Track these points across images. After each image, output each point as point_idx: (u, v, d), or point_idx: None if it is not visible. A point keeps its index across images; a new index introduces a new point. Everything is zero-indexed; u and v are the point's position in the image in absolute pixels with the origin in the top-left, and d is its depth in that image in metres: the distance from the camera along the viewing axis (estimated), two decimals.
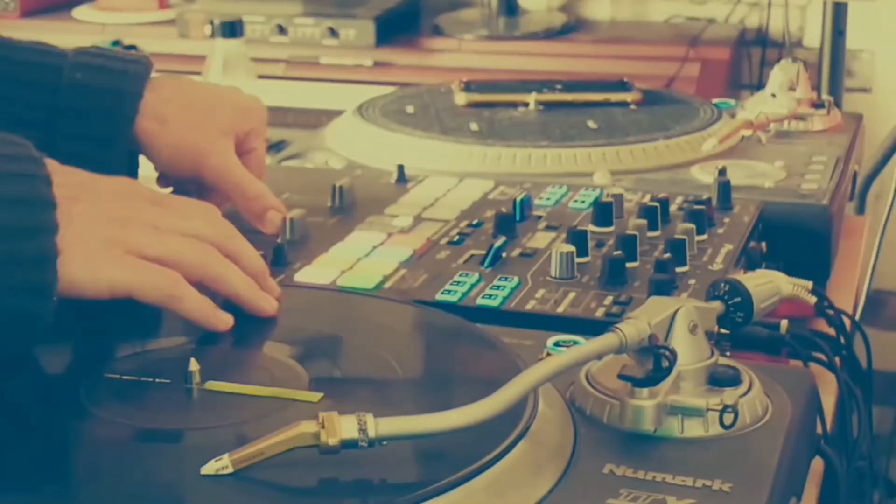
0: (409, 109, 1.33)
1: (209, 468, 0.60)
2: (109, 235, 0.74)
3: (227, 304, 0.79)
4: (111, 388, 0.70)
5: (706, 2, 2.57)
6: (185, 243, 0.77)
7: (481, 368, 0.76)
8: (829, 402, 0.87)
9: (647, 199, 1.08)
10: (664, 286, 0.89)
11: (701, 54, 2.31)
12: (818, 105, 1.31)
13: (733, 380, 0.72)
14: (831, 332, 0.94)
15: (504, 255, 0.96)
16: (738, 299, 0.77)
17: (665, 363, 0.68)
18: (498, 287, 0.90)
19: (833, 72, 2.05)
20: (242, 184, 1.00)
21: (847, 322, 0.96)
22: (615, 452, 0.67)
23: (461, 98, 1.36)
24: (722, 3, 2.55)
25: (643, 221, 0.99)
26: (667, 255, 0.93)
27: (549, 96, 1.36)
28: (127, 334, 0.77)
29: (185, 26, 2.38)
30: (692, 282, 0.92)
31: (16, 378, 0.71)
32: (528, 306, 0.88)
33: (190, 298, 0.76)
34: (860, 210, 1.95)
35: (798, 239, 1.08)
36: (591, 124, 1.28)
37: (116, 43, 2.29)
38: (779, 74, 1.30)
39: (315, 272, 0.93)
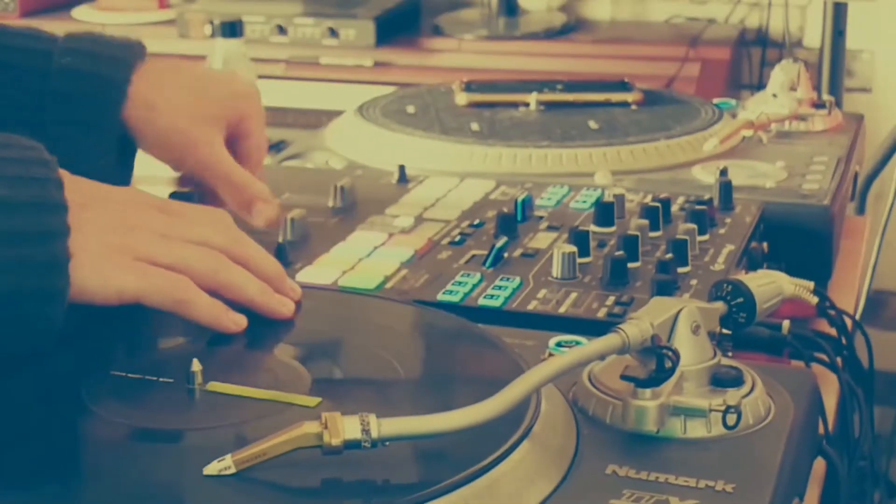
0: (410, 109, 1.33)
1: (212, 468, 0.60)
2: (119, 243, 0.74)
3: (239, 304, 0.78)
4: (113, 386, 0.70)
5: (706, 2, 2.57)
6: (195, 251, 0.77)
7: (483, 369, 0.75)
8: (830, 402, 0.87)
9: (648, 199, 1.08)
10: (666, 286, 0.89)
11: (701, 54, 2.31)
12: (819, 105, 1.31)
13: (736, 380, 0.71)
14: (833, 332, 0.94)
15: (505, 255, 0.96)
16: (740, 300, 0.77)
17: (668, 364, 0.68)
18: (500, 287, 0.90)
19: (833, 72, 2.05)
20: (229, 174, 0.98)
21: (848, 322, 0.96)
22: (618, 453, 0.67)
23: (462, 98, 1.36)
24: (722, 3, 2.55)
25: (645, 222, 0.99)
26: (668, 256, 0.93)
27: (549, 96, 1.36)
28: (131, 333, 0.77)
29: (185, 26, 2.38)
30: (694, 282, 0.92)
31: (17, 376, 0.71)
32: (530, 307, 0.88)
33: (200, 302, 0.75)
34: (861, 210, 1.95)
35: (799, 239, 1.08)
36: (592, 124, 1.28)
37: None
38: (780, 74, 1.30)
39: (316, 272, 0.93)
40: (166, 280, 0.75)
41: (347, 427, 0.60)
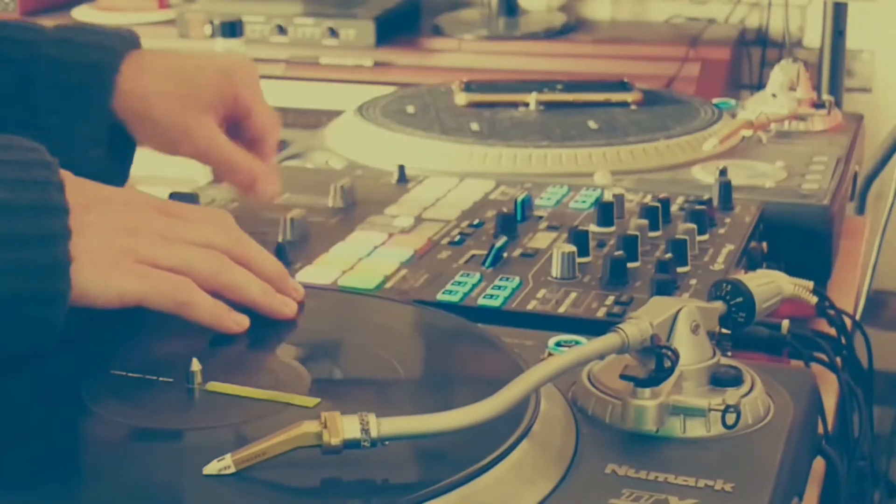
0: (410, 109, 1.33)
1: (211, 468, 0.60)
2: (120, 245, 0.74)
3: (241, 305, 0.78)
4: (112, 386, 0.70)
5: (706, 2, 2.57)
6: (197, 253, 0.77)
7: (483, 369, 0.76)
8: (830, 402, 0.87)
9: (648, 199, 1.08)
10: (665, 286, 0.89)
11: (701, 54, 2.31)
12: (819, 105, 1.31)
13: (735, 380, 0.71)
14: (832, 332, 0.94)
15: (505, 255, 0.96)
16: (739, 299, 0.77)
17: (667, 363, 0.68)
18: (499, 287, 0.90)
19: (833, 72, 2.05)
20: (224, 157, 0.98)
21: (848, 322, 0.96)
22: (617, 452, 0.67)
23: (462, 98, 1.36)
24: (722, 3, 2.55)
25: (644, 221, 0.99)
26: (668, 256, 0.93)
27: (549, 96, 1.36)
28: (131, 332, 0.77)
29: (185, 26, 2.38)
30: (693, 282, 0.92)
31: (17, 376, 0.71)
32: (530, 306, 0.88)
33: (202, 304, 0.75)
34: (860, 210, 1.95)
35: (799, 239, 1.08)
36: (592, 124, 1.28)
37: None
38: (779, 74, 1.30)
39: (316, 272, 0.93)
40: (168, 282, 0.75)
41: (347, 426, 0.61)
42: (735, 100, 1.41)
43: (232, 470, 0.60)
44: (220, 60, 1.02)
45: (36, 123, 0.94)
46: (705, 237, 1.00)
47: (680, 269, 0.93)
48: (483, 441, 0.63)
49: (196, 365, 0.70)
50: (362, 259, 0.96)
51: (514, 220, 1.02)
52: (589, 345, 0.69)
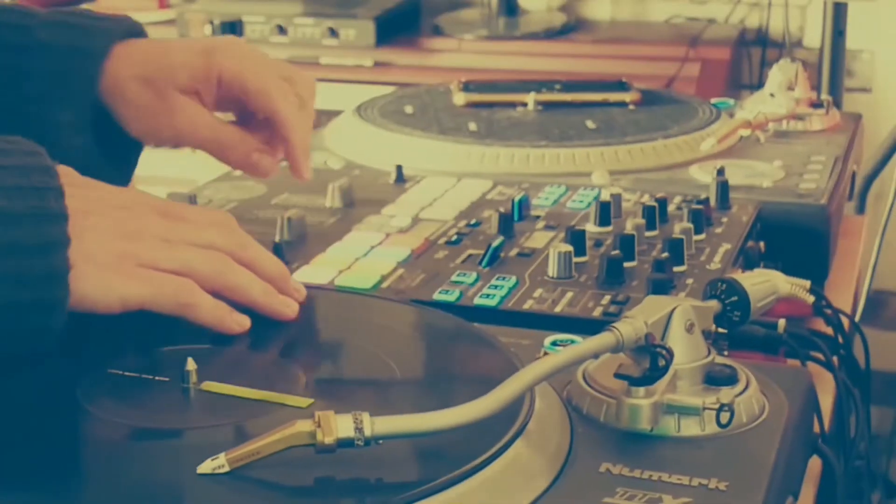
0: (408, 109, 1.33)
1: (205, 467, 0.60)
2: (121, 250, 0.74)
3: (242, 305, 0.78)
4: (107, 385, 0.70)
5: (706, 2, 2.57)
6: (199, 255, 0.76)
7: (479, 368, 0.76)
8: (826, 401, 0.87)
9: (645, 198, 1.08)
10: (662, 286, 0.89)
11: (701, 54, 2.31)
12: (817, 105, 1.31)
13: (730, 379, 0.72)
14: (829, 331, 0.94)
15: (502, 254, 0.96)
16: (734, 298, 0.77)
17: (661, 362, 0.68)
18: (496, 287, 0.90)
19: (833, 72, 2.04)
20: (214, 136, 0.94)
21: (845, 321, 0.96)
22: (612, 451, 0.67)
23: (460, 98, 1.36)
24: (722, 3, 2.55)
25: (641, 221, 0.99)
26: (665, 255, 0.93)
27: (547, 96, 1.37)
28: (128, 331, 0.77)
29: (185, 26, 2.38)
30: (690, 281, 0.92)
31: (12, 375, 0.71)
32: (526, 306, 0.88)
33: (204, 305, 0.75)
34: (860, 210, 1.95)
35: (796, 238, 1.08)
36: (590, 124, 1.28)
37: None
38: (777, 74, 1.30)
39: (313, 272, 0.94)
40: (170, 285, 0.74)
41: (340, 425, 0.61)
42: (734, 100, 1.41)
43: (226, 469, 0.60)
44: (202, 41, 0.98)
45: (26, 110, 0.92)
46: (702, 237, 1.00)
47: (676, 269, 0.93)
48: (478, 440, 0.63)
49: (191, 364, 0.70)
50: (359, 259, 0.96)
51: (512, 219, 1.02)
52: (583, 344, 0.69)
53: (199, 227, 0.78)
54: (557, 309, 0.87)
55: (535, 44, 2.38)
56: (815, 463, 0.79)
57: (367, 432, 0.61)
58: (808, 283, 0.85)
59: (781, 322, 0.87)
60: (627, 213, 1.05)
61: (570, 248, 0.93)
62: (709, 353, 0.72)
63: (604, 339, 0.68)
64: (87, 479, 0.63)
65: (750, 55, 2.51)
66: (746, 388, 0.72)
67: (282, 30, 2.35)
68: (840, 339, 0.94)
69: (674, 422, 0.69)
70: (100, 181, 0.78)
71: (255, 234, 0.82)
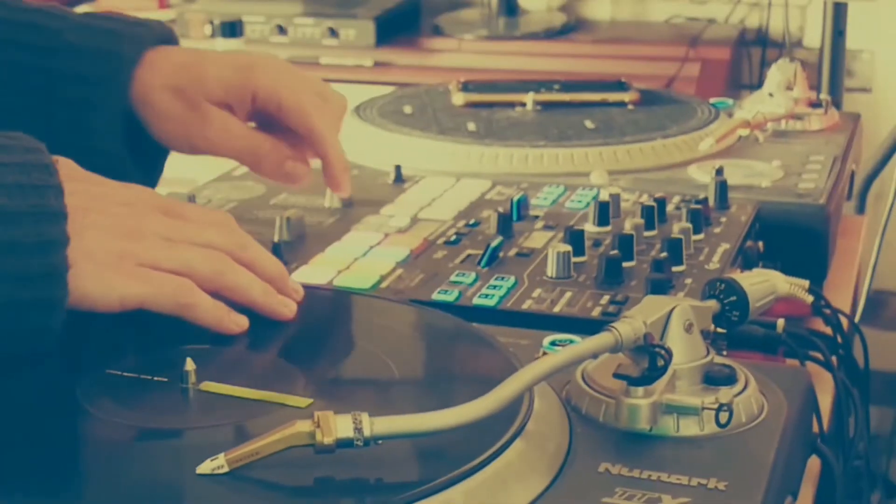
0: (407, 110, 1.33)
1: (205, 467, 0.60)
2: (121, 248, 0.74)
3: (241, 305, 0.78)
4: (106, 385, 0.70)
5: (706, 2, 2.57)
6: (199, 254, 0.76)
7: (478, 368, 0.76)
8: (825, 401, 0.87)
9: (644, 198, 1.08)
10: (661, 285, 0.89)
11: (701, 54, 2.31)
12: (816, 104, 1.31)
13: (729, 378, 0.72)
14: (828, 331, 0.94)
15: (501, 254, 0.96)
16: (733, 298, 0.77)
17: (660, 362, 0.68)
18: (494, 287, 0.90)
19: (833, 72, 2.05)
20: (246, 146, 0.94)
21: (844, 321, 0.96)
22: (611, 451, 0.67)
23: (459, 98, 1.36)
24: (722, 3, 2.55)
25: (640, 221, 0.99)
26: (664, 255, 0.93)
27: (546, 96, 1.36)
28: (127, 331, 0.77)
29: (185, 26, 2.38)
30: (689, 281, 0.92)
31: (11, 374, 0.71)
32: (525, 306, 0.88)
33: (203, 305, 0.75)
34: (860, 210, 1.95)
35: (795, 238, 1.08)
36: (589, 124, 1.28)
37: None
38: (776, 74, 1.30)
39: (312, 272, 0.94)
40: (169, 284, 0.74)
41: (340, 425, 0.61)
42: (734, 100, 1.41)
43: (225, 469, 0.60)
44: (237, 56, 0.97)
45: (56, 114, 0.92)
46: (701, 236, 1.00)
47: (675, 269, 0.93)
48: (477, 440, 0.63)
49: (190, 364, 0.70)
50: (358, 259, 0.96)
51: (510, 219, 1.02)
52: (582, 344, 0.69)
53: (200, 227, 0.78)
54: (556, 309, 0.87)
55: (535, 44, 2.38)
56: (814, 463, 0.79)
57: (367, 432, 0.61)
58: (806, 283, 0.85)
59: (780, 322, 0.87)
60: (626, 212, 1.05)
61: (568, 248, 0.93)
62: (708, 352, 0.72)
63: (603, 339, 0.68)
64: (86, 479, 0.63)
65: (750, 55, 2.51)
66: (745, 387, 0.72)
67: (282, 30, 2.35)
68: (839, 339, 0.94)
69: (673, 422, 0.69)
70: (101, 176, 0.78)
71: (254, 234, 0.82)
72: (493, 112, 1.33)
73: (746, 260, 1.00)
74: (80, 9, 2.60)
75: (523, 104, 1.35)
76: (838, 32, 2.04)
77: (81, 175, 0.76)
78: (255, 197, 1.10)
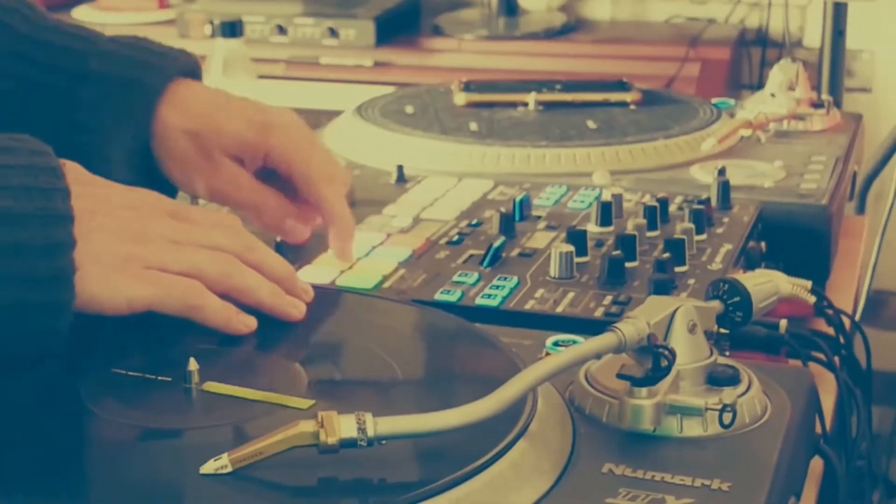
0: (409, 109, 1.33)
1: (208, 467, 0.60)
2: (128, 251, 0.74)
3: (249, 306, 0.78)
4: (110, 385, 0.70)
5: (706, 2, 2.57)
6: (206, 256, 0.76)
7: (480, 368, 0.76)
8: (828, 401, 0.87)
9: (646, 198, 1.08)
10: (663, 286, 0.89)
11: (701, 54, 2.31)
12: (817, 105, 1.31)
13: (732, 379, 0.72)
14: (831, 331, 0.94)
15: (503, 254, 0.96)
16: (736, 299, 0.77)
17: (664, 362, 0.68)
18: (497, 287, 0.90)
19: (833, 72, 2.04)
20: (249, 200, 0.94)
21: (846, 322, 0.96)
22: (614, 452, 0.67)
23: (460, 98, 1.36)
24: (722, 3, 2.55)
25: (643, 221, 0.99)
26: (666, 255, 0.93)
27: (548, 96, 1.37)
28: (131, 331, 0.77)
29: (185, 26, 2.38)
30: (691, 281, 0.92)
31: (15, 374, 0.71)
32: (528, 306, 0.88)
33: (212, 306, 0.75)
34: (860, 210, 1.95)
35: (797, 239, 1.08)
36: (591, 124, 1.28)
37: None
38: (778, 74, 1.30)
39: (314, 272, 0.94)
40: (178, 286, 0.74)
41: (343, 426, 0.61)
42: (735, 100, 1.41)
43: (228, 469, 0.60)
44: (258, 112, 0.95)
45: (76, 139, 0.91)
46: (703, 237, 1.00)
47: (678, 269, 0.93)
48: (480, 440, 0.63)
49: (193, 365, 0.70)
50: (361, 259, 0.96)
51: (513, 219, 1.02)
52: (586, 344, 0.69)
53: (206, 229, 0.78)
54: (559, 309, 0.87)
55: (535, 44, 2.38)
56: (816, 463, 0.79)
57: (370, 433, 0.61)
58: (809, 284, 0.85)
59: (783, 322, 0.87)
60: (628, 213, 1.05)
61: (571, 248, 0.93)
62: (711, 353, 0.72)
63: (606, 339, 0.68)
64: (90, 479, 0.63)
65: (750, 55, 2.51)
66: (749, 388, 0.72)
67: (282, 30, 2.35)
68: (841, 340, 0.94)
69: (676, 422, 0.69)
70: (108, 180, 0.78)
71: (257, 235, 0.82)
72: (494, 112, 1.33)
73: (749, 260, 1.00)
74: (81, 8, 2.59)
75: (525, 104, 1.35)
76: (838, 32, 2.04)
77: (88, 178, 0.76)
78: None
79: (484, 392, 0.64)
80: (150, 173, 0.95)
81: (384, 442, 0.61)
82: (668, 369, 0.68)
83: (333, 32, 2.34)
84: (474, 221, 1.04)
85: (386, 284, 0.92)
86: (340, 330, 0.81)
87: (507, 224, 1.01)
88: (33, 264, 0.69)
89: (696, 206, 1.02)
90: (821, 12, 2.06)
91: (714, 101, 1.39)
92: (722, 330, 0.78)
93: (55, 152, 0.74)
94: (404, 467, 0.63)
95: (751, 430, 0.70)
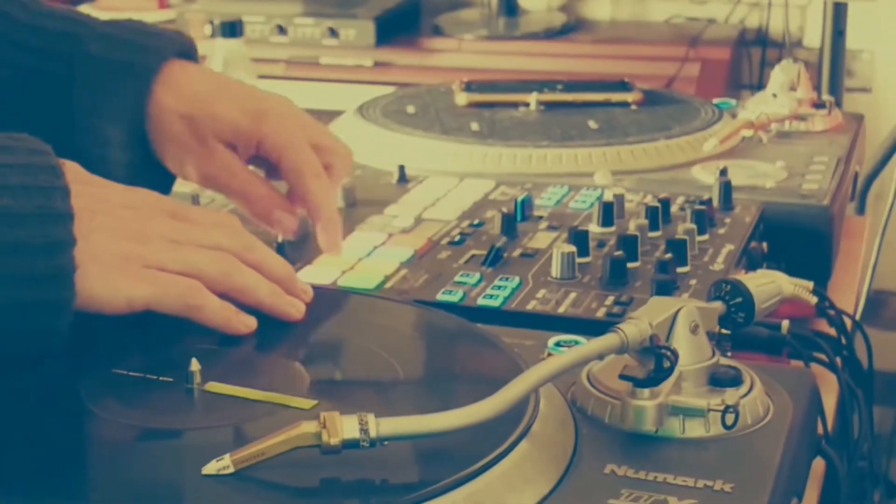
0: (410, 109, 1.33)
1: (210, 468, 0.60)
2: (128, 251, 0.73)
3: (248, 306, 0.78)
4: (111, 385, 0.70)
5: (706, 2, 2.57)
6: (206, 256, 0.76)
7: (482, 369, 0.76)
8: (830, 402, 0.87)
9: (648, 199, 1.08)
10: (665, 286, 0.89)
11: (701, 54, 2.31)
12: (819, 105, 1.31)
13: (734, 380, 0.71)
14: (832, 332, 0.94)
15: (505, 255, 0.96)
16: (739, 299, 0.77)
17: (666, 363, 0.68)
18: (499, 287, 0.90)
19: (833, 72, 2.04)
20: (239, 188, 0.94)
21: (848, 322, 0.96)
22: (616, 453, 0.67)
23: (462, 98, 1.36)
24: (722, 3, 2.55)
25: (644, 222, 0.99)
26: (668, 256, 0.93)
27: (549, 96, 1.36)
28: (132, 331, 0.77)
29: (185, 26, 2.38)
30: (693, 282, 0.92)
31: (16, 374, 0.71)
32: (529, 306, 0.88)
33: (211, 306, 0.75)
34: (861, 210, 1.95)
35: (799, 239, 1.08)
36: (592, 124, 1.28)
37: None
38: (780, 74, 1.30)
39: (316, 272, 0.93)
40: (177, 286, 0.74)
41: (346, 426, 0.61)
42: (735, 100, 1.41)
43: (231, 470, 0.60)
44: (254, 98, 0.95)
45: (74, 122, 0.91)
46: (705, 237, 1.00)
47: (680, 270, 0.93)
48: (482, 441, 0.63)
49: (195, 365, 0.69)
50: (362, 259, 0.96)
51: (515, 220, 1.02)
52: (588, 345, 0.68)
53: (206, 229, 0.78)
54: (561, 310, 0.87)
55: (535, 44, 2.38)
56: (818, 464, 0.79)
57: (373, 433, 0.61)
58: (811, 284, 0.85)
59: (785, 323, 0.87)
60: (630, 213, 1.05)
61: (573, 248, 0.93)
62: (713, 354, 0.72)
63: (608, 340, 0.68)
64: (91, 479, 0.63)
65: (750, 55, 2.51)
66: (751, 389, 0.72)
67: (282, 30, 2.35)
68: (843, 340, 0.94)
69: (679, 423, 0.68)
70: (107, 179, 0.77)
71: (258, 235, 0.82)
72: (496, 112, 1.33)
73: (751, 261, 1.00)
74: (80, 8, 2.60)
75: (526, 104, 1.35)
76: (838, 32, 2.04)
77: (87, 178, 0.76)
78: None
79: (486, 393, 0.64)
80: (146, 158, 0.94)
81: (386, 443, 0.61)
82: (670, 370, 0.68)
83: (333, 32, 2.34)
84: (476, 222, 1.04)
85: (388, 285, 0.91)
86: (342, 330, 0.81)
87: (509, 224, 1.01)
88: (33, 263, 0.69)
89: (697, 207, 1.02)
90: (821, 12, 2.06)
91: (715, 101, 1.39)
92: (724, 331, 0.78)
93: (54, 140, 0.74)
94: (406, 468, 0.63)
95: (753, 431, 0.70)
